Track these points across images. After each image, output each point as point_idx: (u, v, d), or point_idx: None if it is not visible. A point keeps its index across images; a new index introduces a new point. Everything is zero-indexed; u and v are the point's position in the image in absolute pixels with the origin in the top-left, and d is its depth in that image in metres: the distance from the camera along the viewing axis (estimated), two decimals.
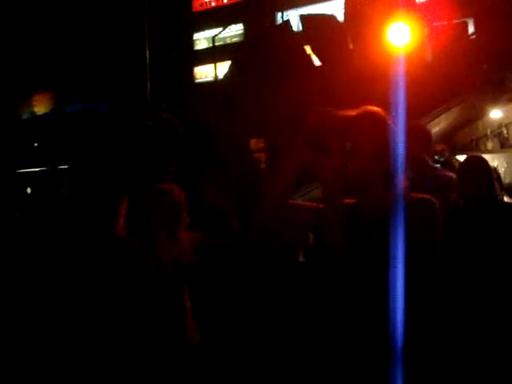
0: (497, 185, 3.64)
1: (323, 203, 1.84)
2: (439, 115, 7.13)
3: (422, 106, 5.87)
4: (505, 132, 8.49)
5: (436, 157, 8.37)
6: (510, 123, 8.51)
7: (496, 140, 8.57)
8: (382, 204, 1.81)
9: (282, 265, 2.99)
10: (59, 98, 15.44)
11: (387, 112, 2.02)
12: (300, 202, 2.05)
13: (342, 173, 1.78)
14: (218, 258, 3.03)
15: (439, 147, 8.63)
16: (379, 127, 1.83)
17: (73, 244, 3.28)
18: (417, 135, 3.60)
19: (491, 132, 8.57)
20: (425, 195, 1.83)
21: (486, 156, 8.12)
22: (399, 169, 1.79)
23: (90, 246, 3.23)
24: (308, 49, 7.24)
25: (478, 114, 8.48)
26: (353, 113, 1.84)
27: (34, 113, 15.69)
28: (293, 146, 1.83)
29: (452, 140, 8.86)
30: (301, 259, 3.08)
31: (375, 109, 1.89)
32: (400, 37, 5.46)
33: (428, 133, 4.15)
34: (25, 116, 15.77)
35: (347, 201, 1.89)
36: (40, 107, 15.64)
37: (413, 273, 1.70)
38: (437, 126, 7.60)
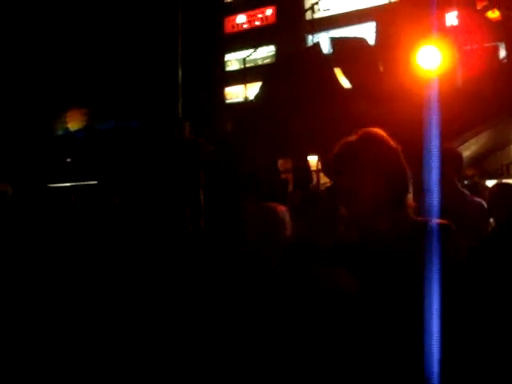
0: None
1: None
2: (469, 139, 7.09)
3: (451, 129, 5.85)
4: None
5: (465, 181, 8.30)
6: None
7: None
8: (393, 228, 1.79)
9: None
10: (92, 114, 15.77)
11: (418, 134, 2.01)
12: None
13: (351, 191, 1.78)
14: None
15: (470, 172, 8.55)
16: (380, 150, 1.81)
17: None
18: (449, 159, 3.62)
19: None
20: (439, 220, 1.81)
21: None
22: (409, 189, 1.79)
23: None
24: (338, 71, 7.27)
25: (509, 138, 8.39)
26: (353, 138, 1.82)
27: (67, 129, 16.05)
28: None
29: (482, 165, 8.77)
30: None
31: (375, 131, 1.86)
32: (430, 60, 5.45)
33: (460, 157, 4.15)
34: (59, 132, 16.14)
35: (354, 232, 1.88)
36: (73, 124, 15.99)
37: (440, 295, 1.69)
38: (467, 150, 7.54)
